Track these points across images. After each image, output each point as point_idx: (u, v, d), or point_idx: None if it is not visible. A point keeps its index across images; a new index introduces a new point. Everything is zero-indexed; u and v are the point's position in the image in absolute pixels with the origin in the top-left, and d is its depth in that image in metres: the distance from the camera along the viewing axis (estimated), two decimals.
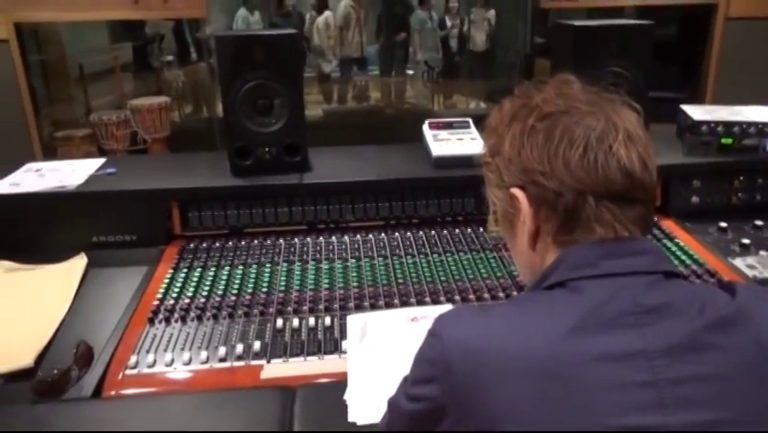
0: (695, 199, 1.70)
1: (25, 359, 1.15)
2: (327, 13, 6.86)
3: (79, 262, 1.48)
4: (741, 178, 1.70)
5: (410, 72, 7.54)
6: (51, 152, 3.68)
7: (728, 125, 1.75)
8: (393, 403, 0.79)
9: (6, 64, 3.11)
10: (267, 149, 1.65)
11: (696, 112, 1.85)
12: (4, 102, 3.16)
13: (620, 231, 0.72)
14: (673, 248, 1.52)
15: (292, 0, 7.26)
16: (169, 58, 6.59)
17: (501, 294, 1.34)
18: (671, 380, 0.63)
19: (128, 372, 1.13)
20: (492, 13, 7.07)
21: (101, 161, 1.80)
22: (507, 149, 0.78)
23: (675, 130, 1.92)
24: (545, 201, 0.74)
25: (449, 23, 7.27)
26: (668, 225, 1.64)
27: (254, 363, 1.15)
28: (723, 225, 1.62)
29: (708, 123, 1.78)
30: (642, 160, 0.72)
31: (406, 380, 0.77)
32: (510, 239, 0.84)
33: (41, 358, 1.17)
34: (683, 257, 1.48)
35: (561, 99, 0.76)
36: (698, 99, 3.66)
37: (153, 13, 3.32)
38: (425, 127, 1.83)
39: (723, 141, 1.75)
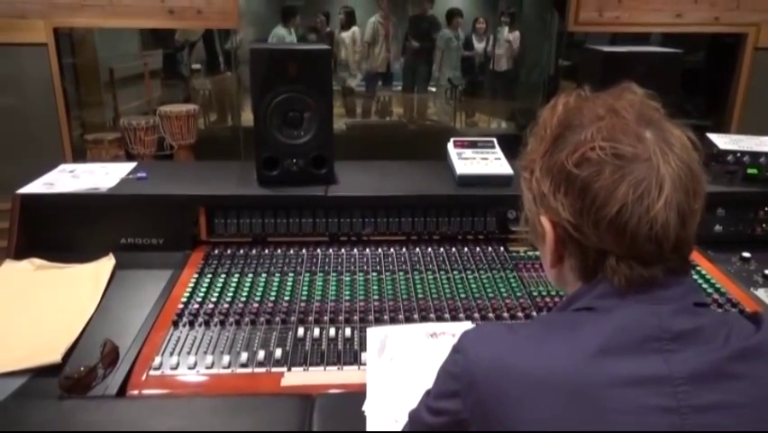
0: (718, 228, 1.69)
1: (53, 355, 1.18)
2: (355, 29, 6.96)
3: (108, 263, 1.52)
4: (766, 208, 1.70)
5: (433, 89, 7.60)
6: (81, 153, 3.76)
7: (755, 155, 1.75)
8: (414, 416, 0.80)
9: (44, 66, 3.21)
10: (294, 160, 1.69)
11: (722, 141, 1.85)
12: (39, 103, 3.25)
13: (641, 275, 0.69)
14: (695, 277, 1.51)
15: (321, 17, 7.41)
16: (197, 66, 6.72)
17: (520, 314, 1.35)
18: (694, 407, 0.63)
19: (152, 372, 1.16)
20: (517, 34, 7.12)
21: (132, 165, 1.84)
22: (543, 180, 0.75)
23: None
24: (571, 243, 0.73)
25: (476, 44, 7.34)
26: None
27: (275, 370, 1.17)
28: (746, 255, 1.61)
29: (733, 152, 1.78)
30: (682, 215, 0.68)
31: (428, 393, 0.79)
32: (538, 245, 0.83)
33: (68, 355, 1.20)
34: (705, 286, 1.47)
35: (608, 141, 0.69)
36: (723, 128, 3.64)
37: (187, 22, 3.40)
38: (450, 145, 1.85)
39: (749, 171, 1.74)
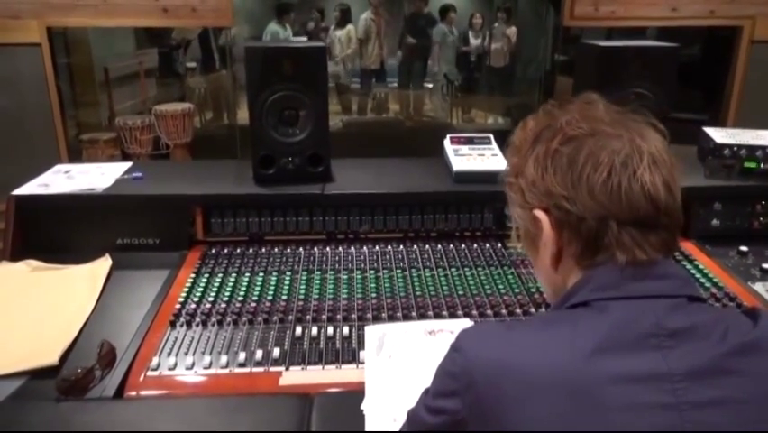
0: (716, 222, 1.69)
1: (50, 357, 1.17)
2: (350, 27, 6.95)
3: (104, 264, 1.51)
4: (763, 202, 1.69)
5: (429, 85, 7.59)
6: (76, 153, 3.75)
7: (752, 149, 1.75)
8: (413, 415, 0.80)
9: (38, 66, 3.19)
10: (290, 159, 1.68)
11: (718, 134, 1.85)
12: (33, 103, 3.24)
13: (639, 255, 0.71)
14: (693, 271, 1.51)
15: (315, 14, 7.41)
16: (192, 64, 6.70)
17: (518, 310, 1.35)
18: (693, 403, 0.63)
19: (150, 373, 1.16)
20: (513, 29, 7.11)
21: (128, 165, 1.83)
22: (530, 171, 0.77)
23: (696, 151, 1.92)
24: (568, 225, 0.74)
25: (472, 39, 7.33)
26: (688, 247, 1.64)
27: (273, 369, 1.17)
28: (743, 249, 1.61)
29: (730, 146, 1.78)
30: (666, 184, 0.72)
31: (427, 392, 0.78)
32: (533, 257, 0.85)
33: (65, 357, 1.20)
34: (703, 280, 1.47)
35: (585, 122, 0.76)
36: (720, 121, 3.64)
37: (182, 21, 3.38)
38: (447, 142, 1.85)
39: (746, 164, 1.74)
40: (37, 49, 3.18)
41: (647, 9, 3.49)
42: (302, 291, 1.42)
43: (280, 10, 6.64)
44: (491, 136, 1.86)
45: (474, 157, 1.76)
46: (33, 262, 1.52)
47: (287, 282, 1.46)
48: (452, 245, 1.63)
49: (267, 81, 1.63)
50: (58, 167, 1.81)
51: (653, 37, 4.61)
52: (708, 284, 1.45)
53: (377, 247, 1.62)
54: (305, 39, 7.08)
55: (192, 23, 3.81)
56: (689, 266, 1.54)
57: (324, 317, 1.32)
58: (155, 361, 1.18)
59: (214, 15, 3.32)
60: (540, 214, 0.76)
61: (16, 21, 3.12)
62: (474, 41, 7.38)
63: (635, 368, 0.65)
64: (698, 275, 1.49)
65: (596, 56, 1.81)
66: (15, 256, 1.54)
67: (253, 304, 1.36)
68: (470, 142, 1.84)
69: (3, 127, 3.22)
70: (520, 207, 0.81)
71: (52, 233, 1.60)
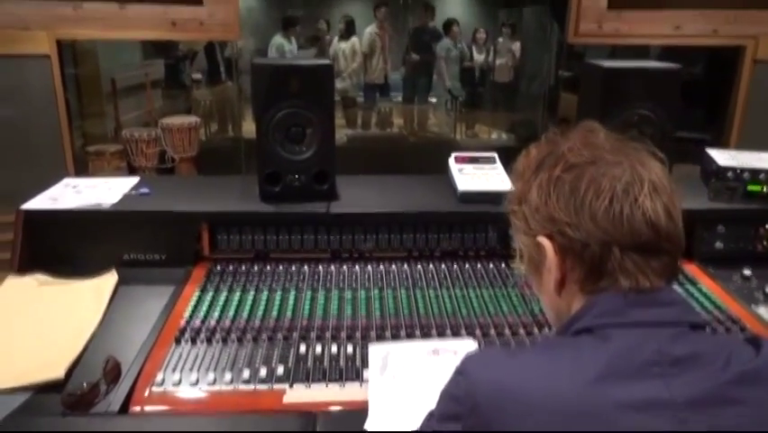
0: (719, 245, 1.70)
1: (56, 372, 1.18)
2: (354, 39, 7.00)
3: (110, 279, 1.53)
4: (767, 226, 1.70)
5: (433, 100, 7.63)
6: (83, 165, 3.77)
7: (755, 172, 1.76)
8: None
9: (46, 78, 3.22)
10: (296, 176, 1.69)
11: (721, 157, 1.86)
12: (41, 114, 3.26)
13: (642, 281, 0.73)
14: (696, 294, 1.52)
15: (322, 25, 7.47)
16: (198, 76, 6.76)
17: (522, 331, 1.35)
18: (696, 431, 0.64)
19: (154, 389, 1.16)
20: (518, 45, 7.16)
21: (135, 180, 1.85)
22: (533, 198, 0.79)
23: (699, 171, 1.93)
24: (572, 251, 0.75)
25: (475, 54, 7.38)
26: (691, 269, 1.64)
27: (277, 387, 1.17)
28: (747, 272, 1.62)
29: (733, 168, 1.79)
30: (667, 210, 0.74)
31: (431, 415, 0.79)
32: (537, 283, 0.86)
33: (71, 371, 1.20)
34: (706, 303, 1.47)
35: (586, 149, 0.78)
36: (723, 141, 3.65)
37: (190, 34, 3.42)
38: (452, 161, 1.86)
39: (750, 187, 1.75)
40: (46, 60, 3.21)
41: (651, 27, 3.51)
42: (306, 309, 1.43)
43: (286, 23, 6.74)
44: (496, 156, 1.88)
45: (479, 177, 1.77)
46: (41, 276, 1.53)
47: (291, 300, 1.46)
48: (456, 265, 1.64)
49: (274, 98, 1.65)
50: (66, 181, 1.83)
51: (656, 55, 4.64)
52: (711, 307, 1.46)
53: (381, 266, 1.63)
54: (313, 51, 7.15)
55: (200, 36, 3.85)
56: (692, 289, 1.55)
57: (328, 335, 1.33)
58: (160, 377, 1.18)
59: (221, 29, 3.35)
60: (544, 240, 0.78)
61: (26, 32, 3.15)
62: (478, 56, 7.43)
63: (638, 395, 0.66)
64: (701, 298, 1.50)
65: (599, 76, 1.82)
66: (23, 269, 1.55)
67: (258, 321, 1.37)
68: (474, 161, 1.85)
69: (10, 137, 3.24)
70: (524, 233, 0.82)
71: (60, 247, 1.61)
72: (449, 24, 7.22)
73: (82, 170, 3.63)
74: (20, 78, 3.22)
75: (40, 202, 1.65)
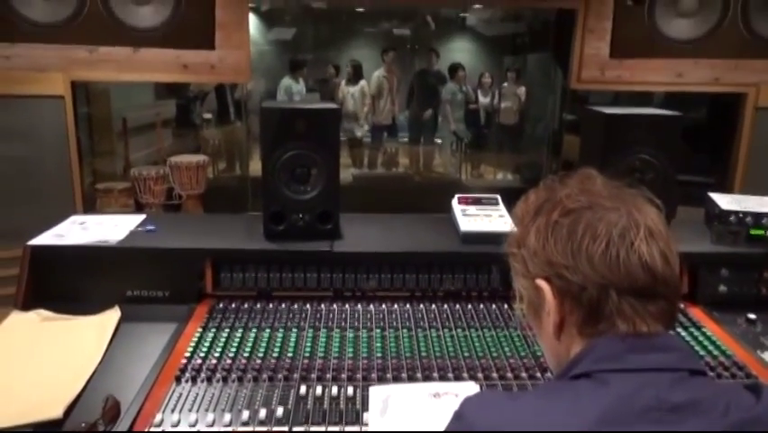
0: (723, 289, 1.69)
1: (55, 411, 1.17)
2: (363, 83, 7.17)
3: (113, 316, 1.53)
4: None
5: (438, 141, 7.73)
6: (91, 202, 3.81)
7: (758, 216, 1.77)
8: None
9: (60, 118, 3.29)
10: (301, 215, 1.71)
11: (724, 201, 1.87)
12: (53, 152, 3.32)
13: (639, 326, 0.73)
14: (701, 338, 1.50)
15: (331, 69, 7.67)
16: (208, 116, 6.90)
17: (524, 374, 1.34)
18: None
19: (153, 430, 1.15)
20: (523, 89, 7.28)
21: (142, 217, 1.87)
22: (532, 241, 0.80)
23: (703, 215, 1.94)
24: (569, 294, 0.76)
25: (481, 97, 7.51)
26: (695, 313, 1.63)
27: (276, 429, 1.16)
28: (752, 316, 1.60)
29: (736, 212, 1.79)
30: (663, 255, 0.74)
31: None
32: (536, 326, 0.86)
33: (70, 409, 1.20)
34: (711, 348, 1.46)
35: (583, 195, 0.79)
36: (727, 185, 3.66)
37: (201, 77, 3.50)
38: (455, 202, 1.88)
39: (753, 231, 1.75)
40: (60, 101, 3.29)
41: (653, 75, 3.58)
42: (307, 349, 1.42)
43: (293, 65, 7.02)
44: (498, 197, 1.90)
45: (481, 218, 1.79)
46: (44, 312, 1.54)
47: (293, 339, 1.46)
48: (458, 305, 1.64)
49: (280, 140, 1.68)
50: (73, 217, 1.85)
51: (659, 99, 4.70)
52: (716, 352, 1.44)
53: (383, 306, 1.63)
54: (317, 95, 7.34)
55: (211, 78, 3.95)
56: (696, 333, 1.53)
57: (328, 376, 1.32)
58: (158, 417, 1.18)
59: (232, 72, 3.44)
60: (542, 283, 0.79)
61: (42, 74, 3.24)
62: (483, 99, 7.56)
63: None
64: (705, 342, 1.48)
65: (601, 122, 1.85)
66: (27, 305, 1.56)
67: (258, 361, 1.37)
68: (477, 202, 1.87)
69: (22, 175, 3.30)
70: (523, 276, 0.83)
71: (65, 282, 1.62)
72: (454, 69, 7.39)
73: (90, 207, 3.67)
74: (34, 118, 3.29)
75: (46, 238, 1.67)
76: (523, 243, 0.82)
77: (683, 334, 1.52)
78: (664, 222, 0.78)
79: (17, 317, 1.52)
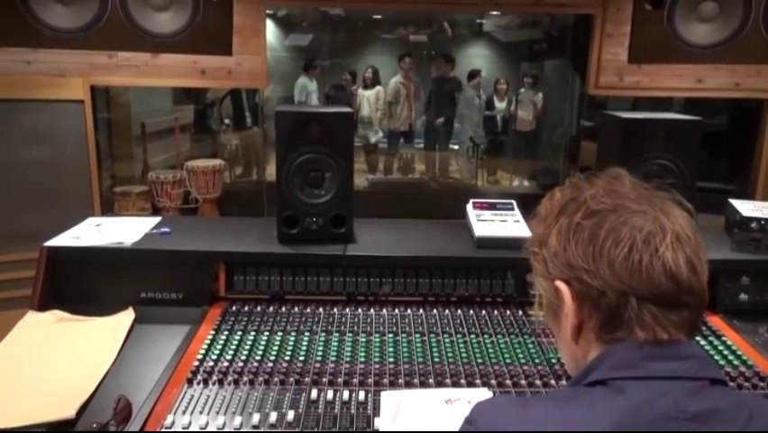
0: (743, 297, 1.65)
1: (67, 410, 1.18)
2: (379, 88, 7.20)
3: (127, 317, 1.54)
4: None
5: (455, 147, 7.71)
6: (109, 205, 3.85)
7: None
8: None
9: (80, 122, 3.34)
10: (314, 219, 1.71)
11: (745, 207, 1.83)
12: (72, 156, 3.36)
13: (660, 333, 0.71)
14: (721, 347, 1.47)
15: (347, 76, 7.73)
16: (226, 121, 6.98)
17: (538, 381, 1.32)
18: None
19: (164, 431, 1.15)
20: (540, 96, 7.24)
21: (157, 219, 1.88)
22: (553, 242, 0.78)
23: (723, 222, 1.90)
24: (588, 298, 0.74)
25: (497, 103, 7.49)
26: (716, 322, 1.59)
27: (286, 432, 1.15)
28: None
29: (757, 219, 1.75)
30: (690, 263, 0.71)
31: None
32: (555, 328, 0.84)
33: (82, 410, 1.20)
34: (731, 357, 1.42)
35: (609, 197, 0.76)
36: (747, 192, 3.60)
37: (218, 82, 3.53)
38: (469, 207, 1.86)
39: None
40: (80, 105, 3.34)
41: (672, 80, 3.53)
42: (319, 353, 1.41)
43: (306, 65, 7.34)
44: (514, 203, 1.88)
45: (496, 223, 1.77)
46: (59, 313, 1.55)
47: (305, 343, 1.45)
48: (472, 311, 1.62)
49: (295, 144, 1.68)
50: (90, 220, 1.87)
51: (679, 105, 4.64)
52: (736, 362, 1.41)
53: (396, 310, 1.62)
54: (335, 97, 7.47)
55: (228, 84, 3.98)
56: (716, 342, 1.50)
57: (340, 380, 1.31)
58: (170, 419, 1.17)
59: (248, 77, 3.46)
60: (561, 285, 0.77)
61: (63, 78, 3.29)
62: (499, 105, 7.53)
63: None
64: (726, 351, 1.45)
65: (618, 127, 1.83)
66: (43, 305, 1.57)
67: (270, 364, 1.36)
68: (492, 207, 1.85)
69: (41, 179, 3.34)
70: (543, 277, 0.81)
71: (80, 284, 1.63)
72: (472, 75, 7.38)
73: (108, 210, 3.71)
74: (54, 122, 3.34)
75: (63, 240, 1.69)
76: (544, 243, 0.80)
77: (703, 342, 1.49)
78: (694, 227, 0.75)
79: (33, 318, 1.53)
